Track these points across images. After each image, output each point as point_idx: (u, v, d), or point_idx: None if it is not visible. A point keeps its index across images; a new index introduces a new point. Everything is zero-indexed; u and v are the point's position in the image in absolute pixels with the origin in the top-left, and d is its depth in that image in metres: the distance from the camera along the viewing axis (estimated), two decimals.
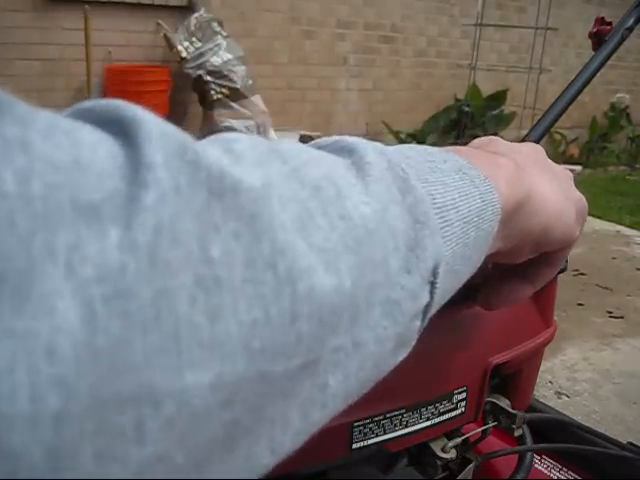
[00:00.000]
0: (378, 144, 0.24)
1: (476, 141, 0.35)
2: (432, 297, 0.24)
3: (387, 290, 0.21)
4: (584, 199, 0.34)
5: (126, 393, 0.14)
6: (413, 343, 0.25)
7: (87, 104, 0.17)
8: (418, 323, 0.24)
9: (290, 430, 0.19)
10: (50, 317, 0.13)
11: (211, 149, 0.18)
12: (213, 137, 0.20)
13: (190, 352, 0.15)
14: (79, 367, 0.13)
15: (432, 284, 0.24)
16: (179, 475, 0.16)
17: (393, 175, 0.23)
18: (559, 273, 0.39)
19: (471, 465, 0.43)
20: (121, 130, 0.16)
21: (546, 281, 0.35)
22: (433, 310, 0.25)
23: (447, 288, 0.25)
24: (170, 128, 0.17)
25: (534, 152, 0.34)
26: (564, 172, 0.34)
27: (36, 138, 0.14)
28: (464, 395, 0.40)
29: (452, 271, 0.25)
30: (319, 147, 0.24)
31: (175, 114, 4.20)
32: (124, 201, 0.15)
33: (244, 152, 0.19)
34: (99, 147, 0.15)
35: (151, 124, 0.16)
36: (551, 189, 0.31)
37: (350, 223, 0.20)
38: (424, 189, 0.24)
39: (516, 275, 0.35)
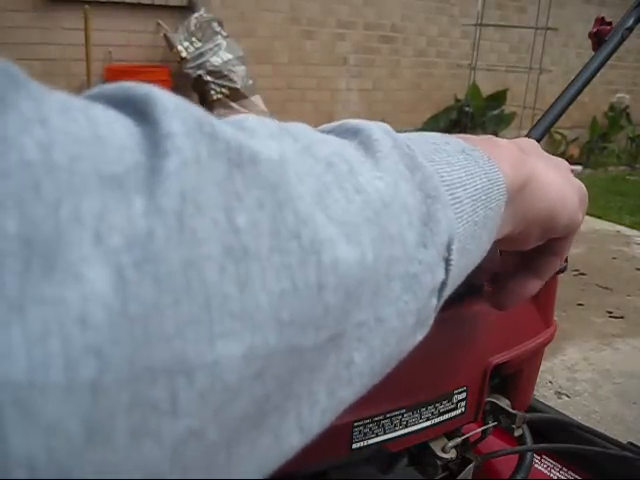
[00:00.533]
0: (382, 124, 0.25)
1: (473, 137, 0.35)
2: (447, 274, 0.24)
3: (405, 265, 0.22)
4: (583, 186, 0.34)
5: (159, 364, 0.14)
6: (431, 323, 0.25)
7: (96, 89, 0.17)
8: (435, 301, 0.24)
9: (317, 407, 0.19)
10: (80, 285, 0.13)
11: (225, 125, 0.18)
12: (227, 119, 0.20)
13: (222, 322, 0.15)
14: (113, 335, 0.13)
15: (447, 261, 0.24)
16: (210, 453, 0.16)
17: (400, 153, 0.23)
18: (559, 273, 0.39)
19: (471, 465, 0.43)
20: (135, 109, 0.16)
21: (553, 272, 0.35)
22: (448, 290, 0.25)
23: (461, 267, 0.26)
24: (185, 103, 0.17)
25: (531, 145, 0.34)
26: (562, 162, 0.35)
27: (52, 114, 0.14)
28: (464, 395, 0.40)
29: (464, 250, 0.25)
30: (325, 132, 0.24)
31: None
32: (146, 173, 0.14)
33: (256, 128, 0.19)
34: (115, 124, 0.15)
35: (165, 99, 0.16)
36: (553, 175, 0.32)
37: (366, 197, 0.20)
38: (431, 167, 0.25)
39: (523, 270, 0.35)
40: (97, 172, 0.14)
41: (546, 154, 0.34)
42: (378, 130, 0.23)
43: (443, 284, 0.24)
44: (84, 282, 0.13)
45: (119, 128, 0.15)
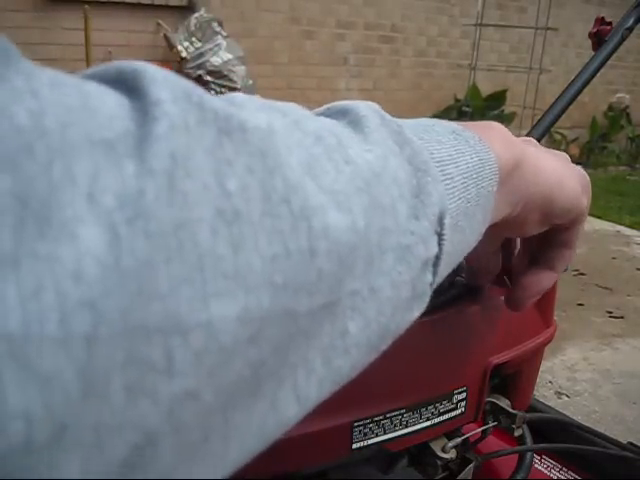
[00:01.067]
0: (370, 103, 0.25)
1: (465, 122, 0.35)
2: (441, 249, 0.24)
3: (398, 236, 0.22)
4: (585, 173, 0.34)
5: (153, 322, 0.14)
6: (427, 299, 0.25)
7: (89, 70, 0.18)
8: (430, 277, 0.24)
9: (313, 376, 0.20)
10: (74, 242, 0.13)
11: (213, 97, 0.18)
12: None
13: (215, 282, 0.15)
14: (107, 289, 0.13)
15: (440, 235, 0.24)
16: (207, 416, 0.16)
17: (388, 129, 0.23)
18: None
19: (471, 465, 0.43)
20: (126, 83, 0.16)
21: (566, 264, 0.35)
22: (444, 267, 0.25)
23: (455, 244, 0.26)
24: (173, 75, 0.17)
25: (528, 139, 0.35)
26: (561, 153, 0.35)
27: (43, 87, 0.14)
28: (464, 395, 0.40)
29: (457, 226, 0.25)
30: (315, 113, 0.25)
31: None
32: (136, 140, 0.15)
33: (245, 103, 0.20)
34: (105, 96, 0.15)
35: (154, 71, 0.16)
36: (549, 159, 0.32)
37: (356, 167, 0.21)
38: (421, 144, 0.25)
39: (536, 265, 0.35)
40: (88, 137, 0.14)
41: (544, 148, 0.34)
42: (366, 108, 0.24)
43: (437, 258, 0.24)
44: (78, 239, 0.13)
45: (109, 99, 0.15)
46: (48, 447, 0.12)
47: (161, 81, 0.16)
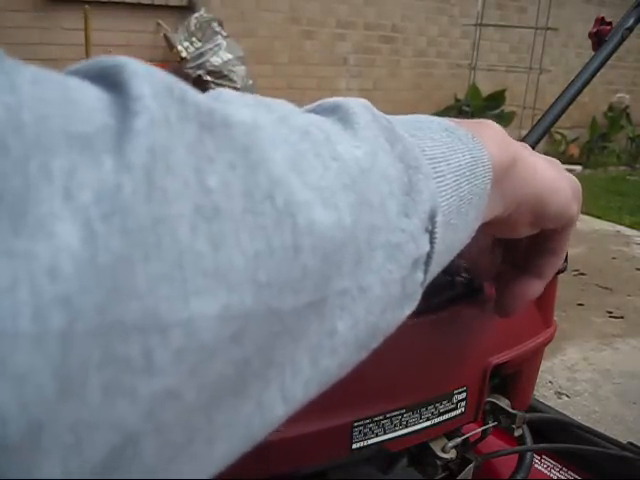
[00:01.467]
0: (361, 99, 0.25)
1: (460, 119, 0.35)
2: (432, 247, 0.24)
3: (387, 234, 0.22)
4: (577, 180, 0.34)
5: (131, 320, 0.14)
6: (418, 297, 0.24)
7: (72, 67, 0.17)
8: (421, 275, 0.24)
9: (300, 376, 0.19)
10: (49, 238, 0.13)
11: (197, 92, 0.18)
12: None
13: (195, 280, 0.15)
14: (82, 285, 0.13)
15: (431, 233, 0.24)
16: (189, 416, 0.16)
17: (379, 126, 0.23)
18: (559, 273, 0.39)
19: (471, 465, 0.43)
20: (108, 78, 0.16)
21: (554, 271, 0.35)
22: (435, 265, 0.25)
23: (447, 243, 0.25)
24: (156, 69, 0.17)
25: (522, 144, 0.34)
26: (554, 159, 0.35)
27: (24, 84, 0.14)
28: (464, 395, 0.40)
29: (449, 225, 0.25)
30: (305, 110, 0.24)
31: None
32: (115, 134, 0.15)
33: (231, 98, 0.20)
34: (86, 90, 0.15)
35: (136, 66, 0.16)
36: (542, 162, 0.32)
37: (343, 164, 0.20)
38: (412, 140, 0.24)
39: (524, 273, 0.35)
40: (66, 131, 0.14)
41: (537, 153, 0.34)
42: (357, 105, 0.23)
43: (428, 257, 0.24)
44: (53, 235, 0.13)
45: (89, 93, 0.15)
46: (25, 447, 0.12)
47: (142, 75, 0.16)
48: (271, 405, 0.19)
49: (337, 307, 0.20)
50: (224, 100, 0.20)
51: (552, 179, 0.31)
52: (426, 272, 0.24)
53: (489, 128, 0.30)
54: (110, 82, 0.16)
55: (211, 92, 0.21)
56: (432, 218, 0.24)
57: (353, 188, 0.20)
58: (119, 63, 0.16)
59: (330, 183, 0.19)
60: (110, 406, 0.14)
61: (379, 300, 0.22)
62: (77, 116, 0.14)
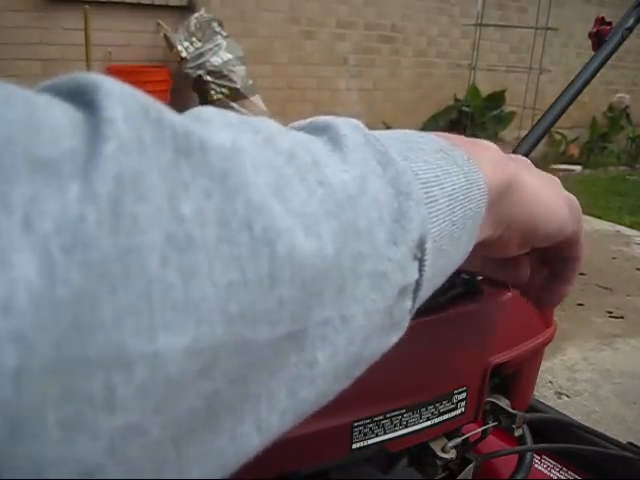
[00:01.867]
0: (354, 120, 0.24)
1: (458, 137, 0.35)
2: (421, 274, 0.23)
3: (374, 262, 0.21)
4: (575, 199, 0.34)
5: (94, 355, 0.13)
6: (406, 325, 0.24)
7: (48, 81, 0.17)
8: (409, 303, 0.23)
9: (277, 408, 0.19)
10: (5, 270, 0.12)
11: (174, 114, 0.17)
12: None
13: (163, 313, 0.14)
14: (37, 319, 0.12)
15: (420, 261, 0.23)
16: (156, 450, 0.15)
17: (372, 149, 0.23)
18: None
19: (471, 465, 0.43)
20: (81, 96, 0.15)
21: (576, 274, 0.36)
22: (425, 291, 0.24)
23: (437, 269, 0.25)
24: (131, 89, 0.16)
25: (520, 158, 0.34)
26: (553, 177, 0.35)
27: None
28: (464, 395, 0.40)
29: (441, 250, 0.25)
30: (295, 130, 0.24)
31: None
32: (83, 158, 0.14)
33: (212, 118, 0.19)
34: (56, 109, 0.15)
35: (111, 85, 0.16)
36: (539, 182, 0.31)
37: (330, 189, 0.20)
38: (406, 164, 0.24)
39: (553, 277, 0.36)
40: (29, 155, 0.13)
41: (536, 169, 0.34)
42: (347, 126, 0.23)
43: (417, 285, 0.23)
44: (10, 267, 0.12)
45: (59, 113, 0.15)
46: None
47: (117, 96, 0.15)
48: (245, 437, 0.18)
49: (318, 337, 0.19)
50: (204, 120, 0.19)
51: (546, 202, 0.31)
52: (415, 300, 0.24)
53: (485, 149, 0.29)
54: (83, 101, 0.15)
55: (193, 110, 0.20)
56: (421, 246, 0.23)
57: (338, 215, 0.20)
58: (94, 81, 0.16)
59: (314, 209, 0.19)
60: (70, 442, 0.13)
61: (362, 330, 0.21)
62: (43, 138, 0.14)
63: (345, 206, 0.20)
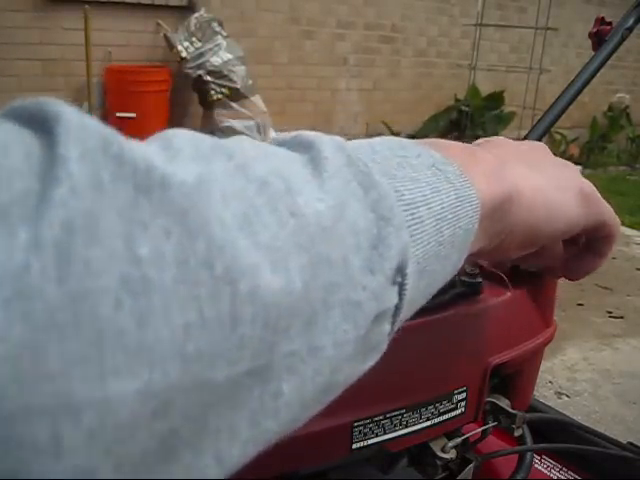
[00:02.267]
0: (339, 138, 0.23)
1: (478, 141, 0.34)
2: (401, 299, 0.23)
3: (347, 291, 0.20)
4: (588, 185, 0.33)
5: (39, 404, 0.13)
6: (384, 347, 0.24)
7: (16, 103, 0.17)
8: (387, 327, 0.23)
9: (238, 439, 0.18)
10: None
11: (145, 145, 0.17)
12: (157, 134, 0.19)
13: (114, 359, 0.14)
14: None
15: (401, 285, 0.23)
16: None
17: (354, 171, 0.22)
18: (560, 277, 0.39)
19: (471, 465, 0.43)
20: (42, 126, 0.15)
21: (611, 248, 0.36)
22: (406, 313, 0.24)
23: (420, 289, 0.24)
24: (93, 122, 0.16)
25: (529, 148, 0.34)
26: (566, 165, 0.34)
27: None
28: (464, 395, 0.40)
29: (425, 271, 0.24)
30: (278, 143, 0.23)
31: (175, 114, 4.20)
32: (36, 200, 0.14)
33: (183, 147, 0.18)
34: (13, 147, 0.14)
35: (72, 117, 0.15)
36: (542, 182, 0.31)
37: (302, 220, 0.19)
38: (390, 184, 0.23)
39: (587, 251, 0.36)
40: None
41: (549, 158, 0.33)
42: (331, 146, 0.22)
43: (397, 309, 0.23)
44: None
45: (16, 151, 0.14)
46: None
47: (76, 130, 0.15)
48: (205, 469, 0.18)
49: (284, 369, 0.19)
50: (174, 150, 0.18)
51: (549, 203, 0.30)
52: (394, 323, 0.23)
53: (482, 162, 0.29)
54: (43, 129, 0.15)
55: (167, 134, 0.19)
56: (402, 270, 0.22)
57: (309, 248, 0.19)
58: (56, 111, 0.15)
59: (284, 243, 0.18)
60: None
61: (331, 360, 0.21)
62: None
63: (317, 238, 0.19)
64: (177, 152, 0.18)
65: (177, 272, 0.16)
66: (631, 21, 0.61)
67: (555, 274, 0.37)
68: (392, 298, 0.22)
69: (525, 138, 0.56)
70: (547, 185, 0.31)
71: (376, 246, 0.21)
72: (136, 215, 0.15)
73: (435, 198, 0.25)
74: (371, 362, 0.23)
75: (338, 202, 0.21)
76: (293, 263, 0.18)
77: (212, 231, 0.17)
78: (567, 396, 2.19)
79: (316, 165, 0.21)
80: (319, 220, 0.20)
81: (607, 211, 0.33)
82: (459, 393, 0.39)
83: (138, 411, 0.15)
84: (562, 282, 0.44)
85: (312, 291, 0.19)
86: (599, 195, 0.33)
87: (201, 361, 0.16)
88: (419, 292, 0.25)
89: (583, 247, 0.35)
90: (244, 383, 0.18)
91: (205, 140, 0.19)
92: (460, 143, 0.30)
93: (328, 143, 0.22)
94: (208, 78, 4.04)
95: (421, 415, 0.38)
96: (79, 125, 0.15)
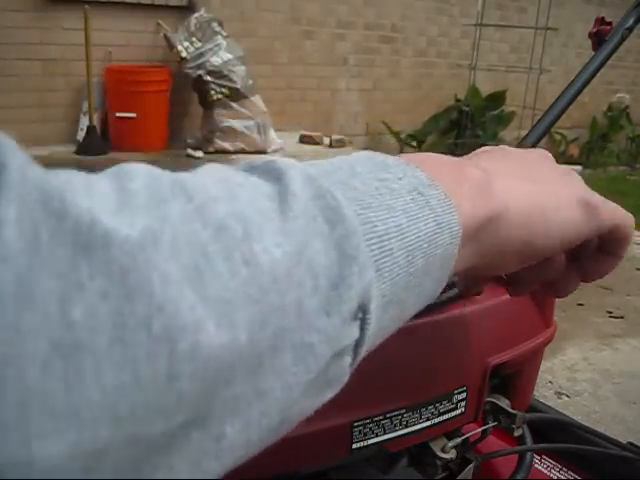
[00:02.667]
0: (310, 169, 0.23)
1: (477, 151, 0.34)
2: (363, 333, 0.22)
3: (300, 334, 0.20)
4: (592, 193, 0.32)
5: None
6: (345, 379, 0.23)
7: None
8: (348, 359, 0.22)
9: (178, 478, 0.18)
10: None
11: (93, 194, 0.17)
12: (116, 168, 0.19)
13: (40, 423, 0.14)
14: None
15: (362, 320, 0.22)
16: None
17: (321, 205, 0.21)
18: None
19: (471, 465, 0.43)
20: None
21: (626, 248, 0.35)
22: (373, 342, 0.24)
23: (390, 319, 0.24)
24: (37, 172, 0.15)
25: (527, 158, 0.33)
26: (566, 172, 0.34)
27: None
28: (464, 395, 0.40)
29: (393, 302, 0.24)
30: (251, 167, 0.23)
31: (175, 114, 4.20)
32: None
33: (138, 192, 0.18)
34: None
35: (14, 170, 0.15)
36: (536, 195, 0.30)
37: (256, 269, 0.19)
38: (361, 217, 0.23)
39: (601, 252, 0.34)
40: None
41: (549, 165, 0.33)
42: (299, 180, 0.21)
43: (357, 343, 0.22)
44: None
45: None
46: None
47: (16, 187, 0.15)
48: None
49: (227, 413, 0.19)
50: (127, 194, 0.17)
51: (544, 217, 0.30)
52: (357, 354, 0.23)
53: (469, 181, 0.28)
54: None
55: (123, 172, 0.18)
56: (363, 307, 0.22)
57: (260, 299, 0.19)
58: (4, 163, 0.15)
59: (233, 295, 0.18)
60: None
61: (277, 402, 0.20)
62: None
63: (270, 289, 0.19)
64: (130, 197, 0.17)
65: (113, 334, 0.15)
66: (631, 21, 0.61)
67: (556, 292, 0.36)
68: (352, 334, 0.22)
69: (525, 138, 0.56)
70: (544, 197, 0.30)
71: (336, 286, 0.21)
72: (73, 276, 0.15)
73: (411, 227, 0.24)
74: (330, 394, 0.23)
75: (299, 245, 0.20)
76: (241, 315, 0.18)
77: (152, 290, 0.16)
78: (567, 396, 2.19)
79: (282, 201, 0.21)
80: (274, 268, 0.19)
81: (617, 214, 0.32)
82: (459, 393, 0.39)
83: (66, 468, 0.15)
84: None
85: (259, 341, 0.19)
86: (604, 201, 0.32)
87: (134, 419, 0.16)
88: (387, 322, 0.24)
89: (597, 248, 0.35)
90: (182, 432, 0.18)
91: (164, 179, 0.19)
92: (450, 158, 0.30)
93: (298, 175, 0.22)
94: (208, 78, 4.04)
95: (421, 415, 0.38)
96: (21, 178, 0.15)
